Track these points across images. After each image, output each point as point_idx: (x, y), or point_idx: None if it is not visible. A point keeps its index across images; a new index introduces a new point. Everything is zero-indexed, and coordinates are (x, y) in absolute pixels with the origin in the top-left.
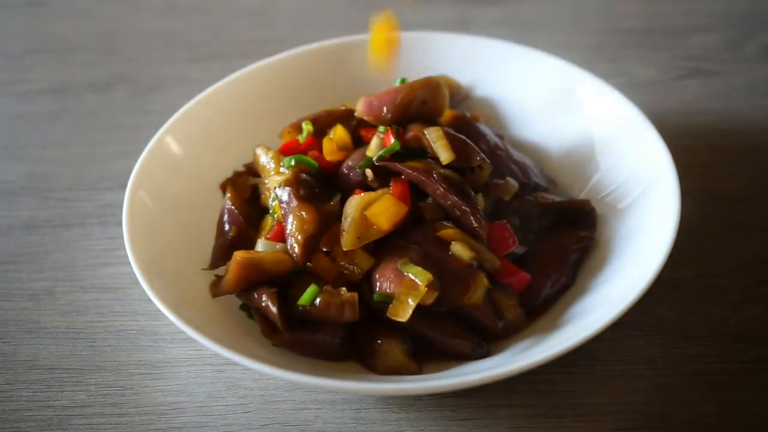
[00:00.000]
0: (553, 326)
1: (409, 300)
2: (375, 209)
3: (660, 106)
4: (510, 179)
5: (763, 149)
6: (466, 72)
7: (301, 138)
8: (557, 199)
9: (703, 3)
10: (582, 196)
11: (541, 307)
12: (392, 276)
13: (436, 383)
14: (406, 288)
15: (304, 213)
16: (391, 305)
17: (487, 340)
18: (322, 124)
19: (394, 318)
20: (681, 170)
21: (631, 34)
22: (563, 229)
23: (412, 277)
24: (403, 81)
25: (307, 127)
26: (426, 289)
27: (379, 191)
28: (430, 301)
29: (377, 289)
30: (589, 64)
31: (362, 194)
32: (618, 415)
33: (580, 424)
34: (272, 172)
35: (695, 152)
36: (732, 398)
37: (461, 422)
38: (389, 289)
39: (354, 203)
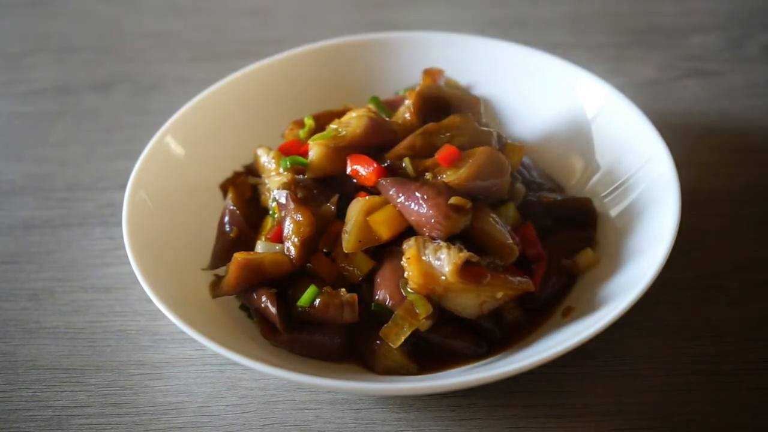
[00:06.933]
0: (553, 326)
1: (405, 327)
2: (377, 217)
3: (660, 106)
4: (519, 185)
5: (763, 149)
6: (466, 72)
7: (302, 133)
8: (558, 198)
9: (703, 3)
10: (582, 196)
11: (541, 307)
12: (393, 292)
13: (436, 383)
14: (405, 312)
15: (300, 216)
16: (386, 325)
17: (487, 341)
18: (324, 123)
19: (385, 339)
20: (681, 170)
21: (631, 34)
22: (564, 228)
23: (413, 305)
24: (405, 90)
25: (308, 122)
26: (424, 320)
27: (382, 198)
28: (425, 329)
29: (377, 298)
30: (589, 64)
31: (366, 197)
32: (618, 415)
33: (580, 424)
34: (273, 173)
35: (695, 152)
36: (732, 398)
37: (461, 422)
38: (388, 304)
39: (358, 207)
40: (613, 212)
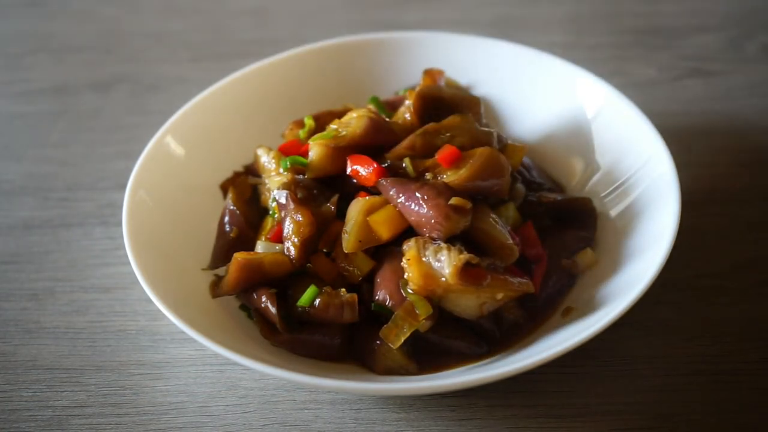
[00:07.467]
0: (553, 326)
1: (405, 328)
2: (377, 218)
3: (660, 106)
4: (519, 185)
5: (763, 149)
6: (466, 72)
7: (302, 133)
8: (558, 198)
9: (703, 3)
10: (582, 196)
11: (541, 307)
12: (393, 292)
13: (436, 383)
14: (404, 313)
15: (300, 216)
16: (386, 326)
17: (487, 341)
18: (324, 123)
19: (385, 340)
20: (681, 170)
21: (631, 34)
22: (564, 228)
23: (413, 306)
24: (405, 90)
25: (308, 122)
26: (424, 320)
27: (382, 198)
28: (425, 330)
29: (377, 298)
30: (589, 64)
31: (366, 197)
32: (618, 415)
33: (579, 424)
34: (273, 173)
35: (695, 152)
36: (732, 398)
37: (461, 422)
38: (388, 304)
39: (358, 207)
40: (613, 212)
